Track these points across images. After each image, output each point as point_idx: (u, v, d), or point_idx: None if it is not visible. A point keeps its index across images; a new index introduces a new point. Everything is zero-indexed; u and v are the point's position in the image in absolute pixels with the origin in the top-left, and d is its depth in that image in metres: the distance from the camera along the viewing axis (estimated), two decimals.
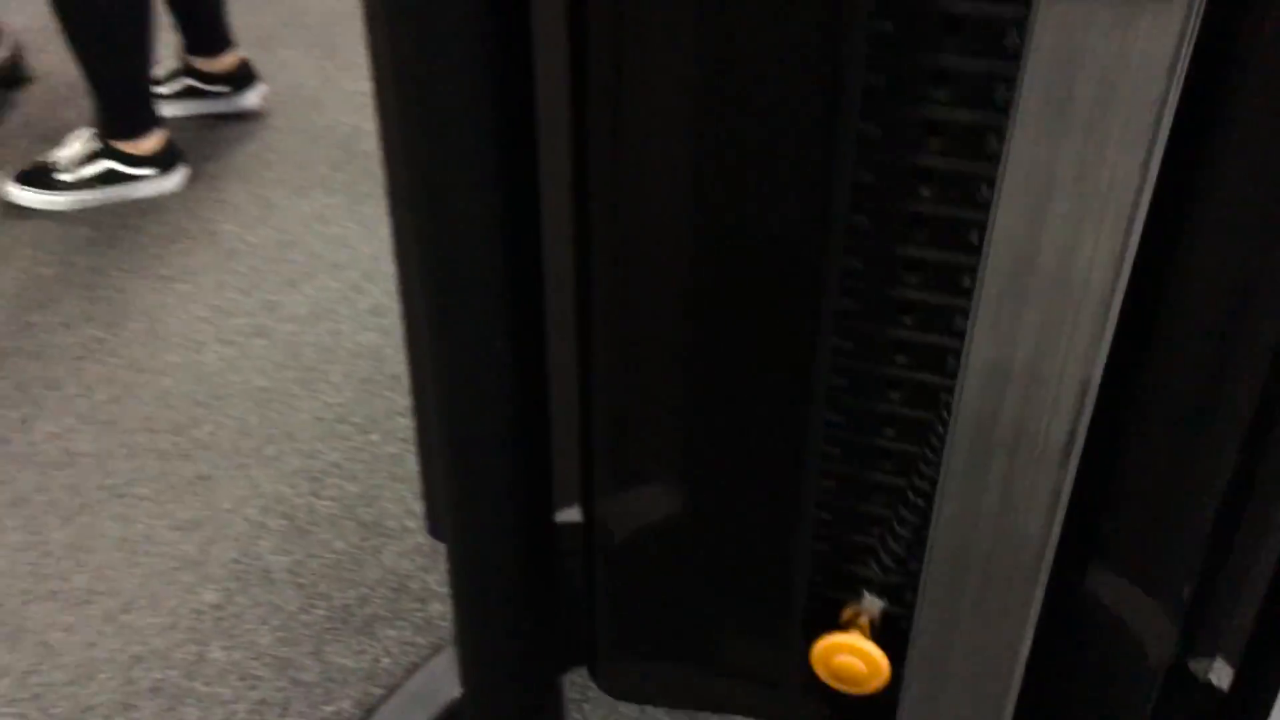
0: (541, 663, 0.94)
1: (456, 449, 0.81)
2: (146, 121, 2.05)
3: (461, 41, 0.62)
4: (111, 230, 1.99)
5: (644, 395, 0.78)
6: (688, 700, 0.94)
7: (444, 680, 1.18)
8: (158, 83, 2.18)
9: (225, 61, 2.25)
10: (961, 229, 0.61)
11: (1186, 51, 0.49)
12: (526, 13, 0.65)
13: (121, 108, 2.04)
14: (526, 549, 0.86)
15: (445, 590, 1.33)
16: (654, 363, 0.76)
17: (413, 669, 1.24)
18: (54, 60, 2.15)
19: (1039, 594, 0.68)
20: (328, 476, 1.51)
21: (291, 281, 1.87)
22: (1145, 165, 0.52)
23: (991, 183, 0.56)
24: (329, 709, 1.23)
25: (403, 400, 1.62)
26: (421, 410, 0.98)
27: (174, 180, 2.09)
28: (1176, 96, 0.50)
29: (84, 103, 2.05)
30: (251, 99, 2.29)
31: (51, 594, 1.36)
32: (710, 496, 0.81)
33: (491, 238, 0.70)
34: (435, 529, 1.03)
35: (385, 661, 1.28)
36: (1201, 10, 0.48)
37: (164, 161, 2.08)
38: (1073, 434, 0.61)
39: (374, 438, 1.57)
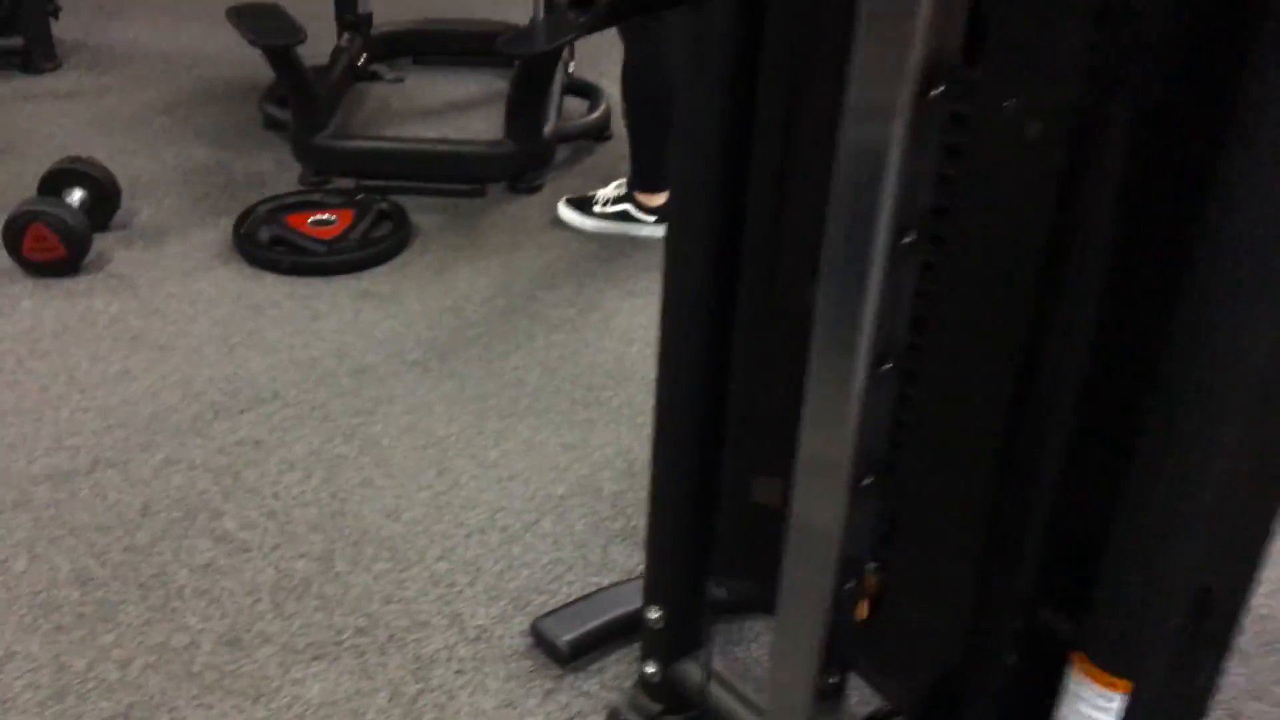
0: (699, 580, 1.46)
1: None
2: (662, 183, 2.79)
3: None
4: (611, 253, 2.75)
5: None
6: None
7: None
8: None
9: None
10: None
11: None
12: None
13: (648, 169, 2.79)
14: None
15: None
16: None
17: None
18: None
19: None
20: None
21: None
22: None
23: None
24: (594, 580, 1.82)
25: None
26: None
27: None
28: None
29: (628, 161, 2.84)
30: None
31: (472, 455, 2.08)
32: None
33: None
34: None
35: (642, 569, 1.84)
36: None
37: (665, 214, 2.80)
38: None
39: None
